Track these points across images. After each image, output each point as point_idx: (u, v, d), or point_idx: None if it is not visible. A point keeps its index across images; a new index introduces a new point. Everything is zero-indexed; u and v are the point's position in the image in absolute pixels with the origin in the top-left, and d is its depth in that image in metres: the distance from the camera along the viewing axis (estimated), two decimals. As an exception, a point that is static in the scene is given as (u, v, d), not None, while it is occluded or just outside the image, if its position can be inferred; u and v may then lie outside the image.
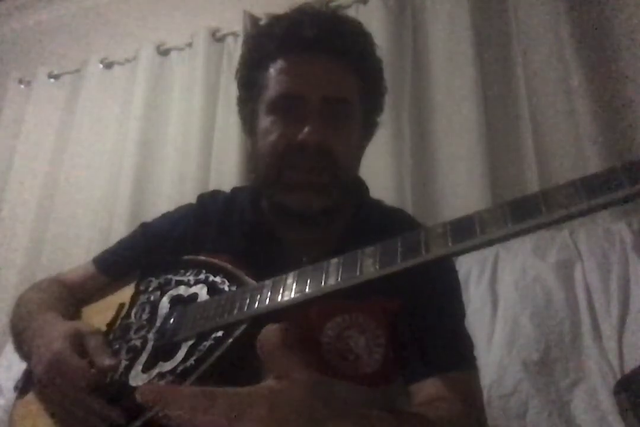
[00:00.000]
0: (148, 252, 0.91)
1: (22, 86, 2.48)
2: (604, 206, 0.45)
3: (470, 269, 1.36)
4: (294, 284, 0.63)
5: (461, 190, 1.56)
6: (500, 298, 1.28)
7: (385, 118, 1.63)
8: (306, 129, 0.76)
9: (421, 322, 0.77)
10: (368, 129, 0.88)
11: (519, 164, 1.57)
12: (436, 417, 0.65)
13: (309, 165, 0.78)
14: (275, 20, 0.83)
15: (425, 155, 1.68)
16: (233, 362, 0.65)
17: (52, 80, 2.43)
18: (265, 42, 0.83)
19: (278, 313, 0.64)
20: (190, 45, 2.17)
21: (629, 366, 1.07)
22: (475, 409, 0.73)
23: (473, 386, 0.76)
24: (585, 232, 1.31)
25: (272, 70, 0.81)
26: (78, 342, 0.71)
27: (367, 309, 0.76)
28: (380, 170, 1.64)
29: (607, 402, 1.05)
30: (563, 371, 1.13)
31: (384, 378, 0.76)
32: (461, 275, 1.36)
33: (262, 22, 0.81)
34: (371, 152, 1.63)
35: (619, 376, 1.07)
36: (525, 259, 1.31)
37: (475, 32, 1.68)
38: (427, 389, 0.73)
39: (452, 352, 0.76)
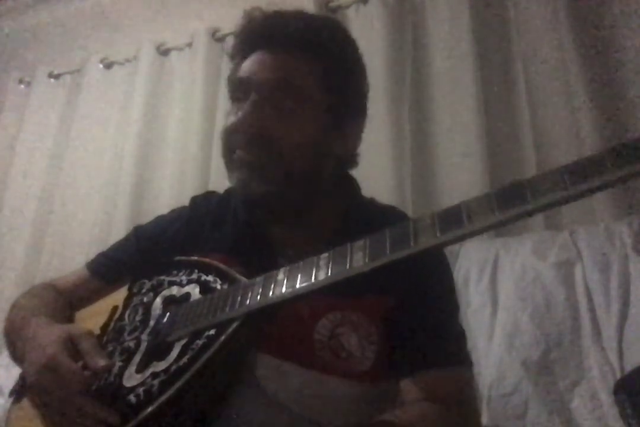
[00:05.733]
0: (141, 256, 0.91)
1: (22, 86, 2.48)
2: (589, 192, 0.45)
3: (470, 269, 1.36)
4: (285, 280, 0.63)
5: (461, 189, 1.56)
6: (500, 298, 1.28)
7: (385, 118, 1.67)
8: (240, 113, 0.79)
9: (414, 318, 0.77)
10: (337, 121, 0.84)
11: (519, 164, 1.57)
12: (425, 420, 0.66)
13: (245, 145, 0.80)
14: (244, 21, 0.87)
15: (426, 154, 1.68)
16: (226, 359, 0.65)
17: (52, 80, 2.43)
18: (236, 44, 0.87)
19: (270, 309, 0.64)
20: (190, 45, 2.17)
21: (629, 366, 1.07)
22: (467, 407, 0.74)
23: (465, 383, 0.76)
24: (585, 232, 1.30)
25: (239, 69, 0.85)
26: (70, 345, 0.70)
27: (359, 306, 0.76)
28: (380, 170, 1.64)
29: (607, 402, 1.05)
30: (563, 371, 1.13)
31: (377, 375, 0.76)
32: (461, 275, 1.37)
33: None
34: (371, 152, 1.66)
35: (619, 376, 1.06)
36: (525, 259, 1.30)
37: (475, 32, 1.67)
38: (419, 385, 0.73)
39: (445, 348, 0.77)
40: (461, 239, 0.52)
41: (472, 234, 0.51)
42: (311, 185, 0.82)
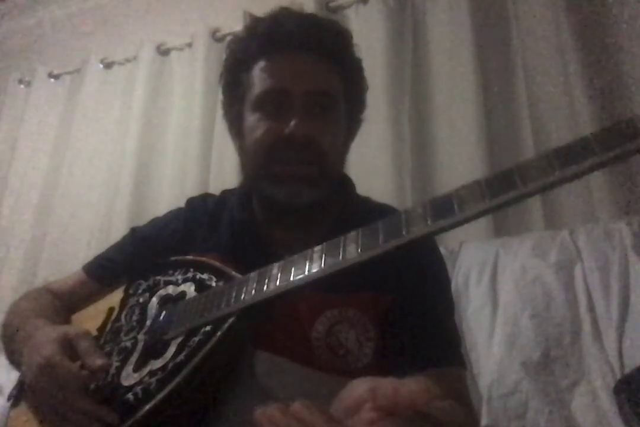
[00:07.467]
0: (138, 257, 0.92)
1: (22, 86, 2.48)
2: (577, 175, 0.46)
3: (470, 269, 1.36)
4: (279, 274, 0.63)
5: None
6: (500, 298, 1.28)
7: (385, 118, 1.67)
8: (293, 122, 0.78)
9: (411, 317, 0.77)
10: (352, 125, 0.90)
11: (519, 164, 1.57)
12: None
13: (297, 158, 0.79)
14: (256, 22, 0.86)
15: (425, 155, 1.68)
16: (223, 355, 0.65)
17: (52, 80, 2.43)
18: (247, 43, 0.85)
19: (266, 304, 0.64)
20: (190, 45, 2.17)
21: (629, 366, 1.07)
22: (466, 406, 0.73)
23: (463, 383, 0.76)
24: (585, 232, 1.30)
25: (256, 70, 0.83)
26: (68, 345, 0.70)
27: (356, 303, 0.76)
28: (380, 170, 1.64)
29: (607, 402, 1.05)
30: (563, 371, 1.13)
31: (374, 372, 0.76)
32: (461, 275, 1.37)
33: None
34: (371, 152, 1.66)
35: (619, 376, 1.06)
36: (525, 259, 1.30)
37: (475, 32, 1.68)
38: None
39: (443, 347, 0.77)
40: (453, 226, 0.52)
41: (464, 222, 0.51)
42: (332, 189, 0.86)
